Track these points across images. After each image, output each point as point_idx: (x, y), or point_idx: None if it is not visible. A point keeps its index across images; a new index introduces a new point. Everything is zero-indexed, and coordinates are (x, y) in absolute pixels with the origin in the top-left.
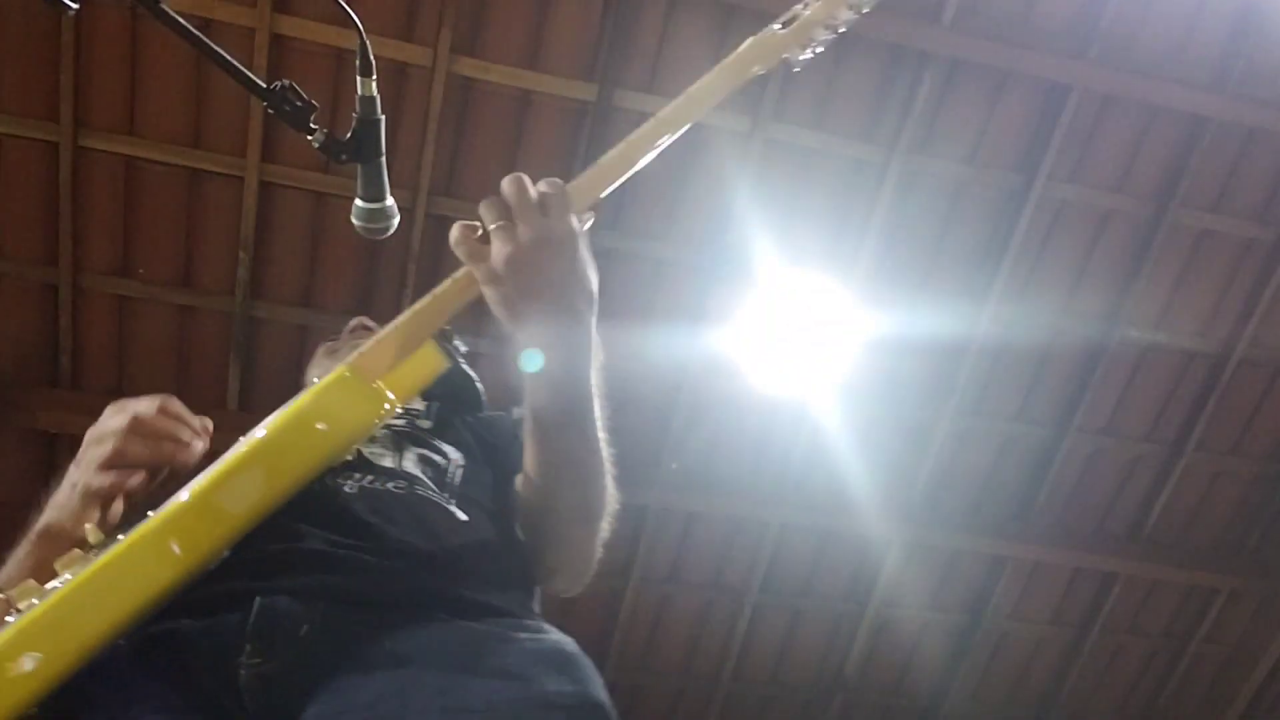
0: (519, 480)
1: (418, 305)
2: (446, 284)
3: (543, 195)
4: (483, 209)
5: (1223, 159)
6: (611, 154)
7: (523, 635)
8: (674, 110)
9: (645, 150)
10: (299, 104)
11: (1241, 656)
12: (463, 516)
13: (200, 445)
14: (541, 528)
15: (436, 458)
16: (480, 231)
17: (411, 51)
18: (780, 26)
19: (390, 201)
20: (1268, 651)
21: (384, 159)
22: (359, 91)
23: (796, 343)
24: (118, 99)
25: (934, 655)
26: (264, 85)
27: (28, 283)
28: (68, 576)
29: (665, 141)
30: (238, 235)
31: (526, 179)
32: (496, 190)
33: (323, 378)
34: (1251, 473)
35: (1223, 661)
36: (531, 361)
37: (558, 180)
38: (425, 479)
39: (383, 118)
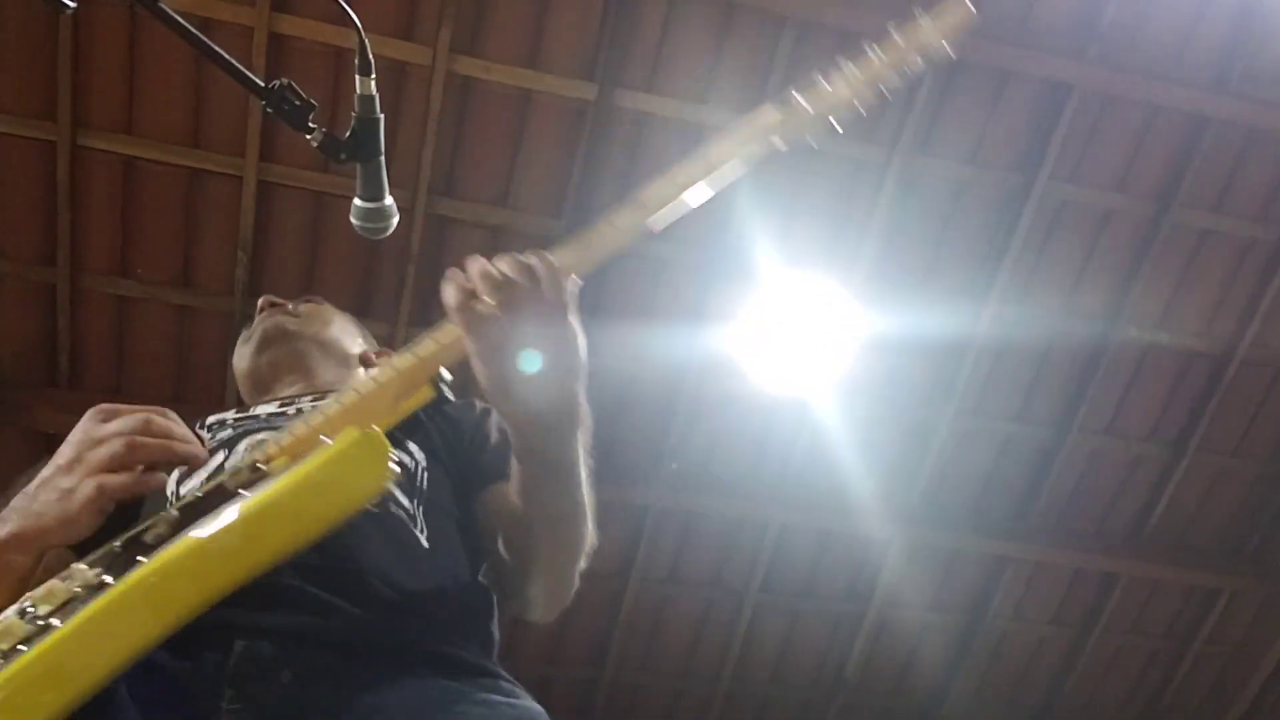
0: (499, 494)
1: (400, 364)
2: (431, 347)
3: (534, 267)
4: (478, 278)
5: (1224, 159)
6: (602, 226)
7: (498, 698)
8: (664, 185)
9: (633, 227)
10: (298, 103)
11: (1243, 657)
12: (426, 545)
13: (200, 450)
14: (519, 564)
15: (405, 460)
16: (474, 298)
17: (411, 51)
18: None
19: (389, 201)
20: (1269, 652)
21: (383, 158)
22: (358, 91)
23: (797, 342)
24: (116, 98)
25: (934, 656)
26: (263, 84)
27: (26, 282)
28: (47, 611)
29: (659, 217)
30: (236, 235)
31: (521, 257)
32: (498, 188)
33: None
34: (1253, 473)
35: (1224, 662)
36: (526, 356)
37: (548, 256)
38: (394, 488)
39: (382, 117)
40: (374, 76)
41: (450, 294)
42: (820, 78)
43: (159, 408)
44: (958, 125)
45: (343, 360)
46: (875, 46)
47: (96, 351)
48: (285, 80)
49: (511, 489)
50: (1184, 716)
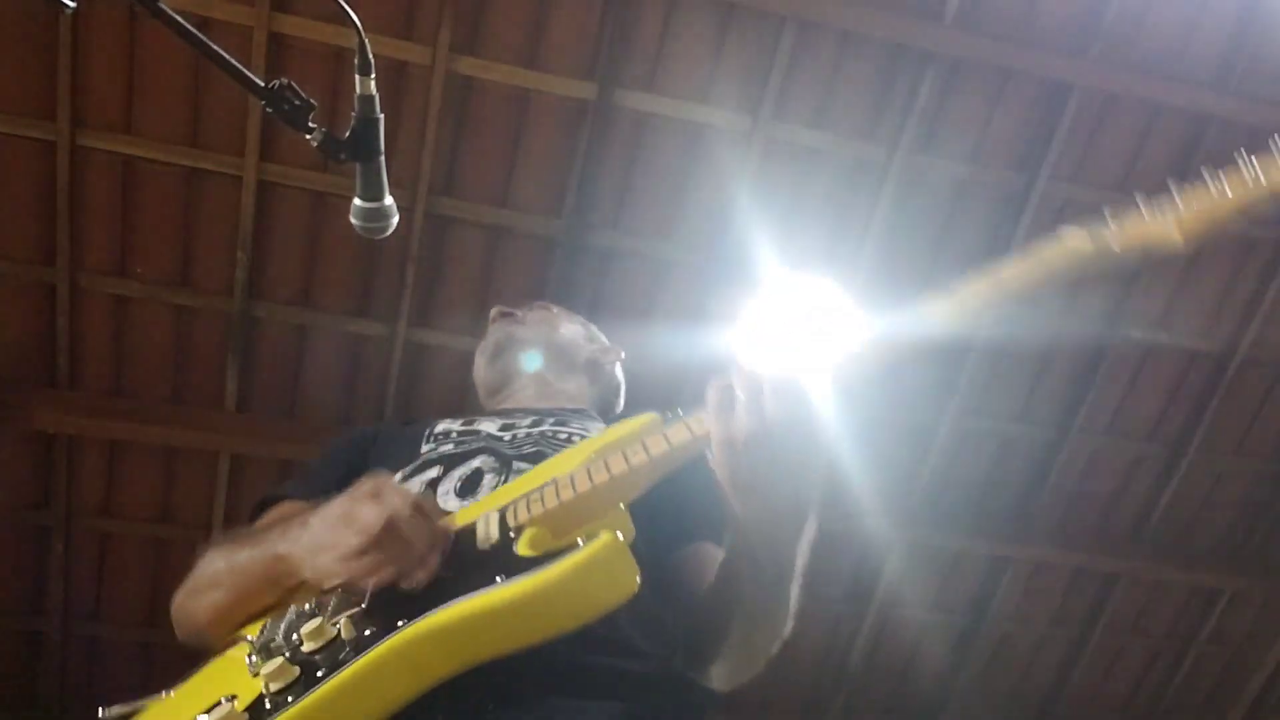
0: (705, 557)
1: (654, 448)
2: (685, 435)
3: (793, 383)
4: (735, 374)
5: (1226, 158)
6: (892, 326)
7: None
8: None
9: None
10: (297, 103)
11: (1244, 657)
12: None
13: (435, 562)
14: (706, 645)
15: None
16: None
17: (411, 50)
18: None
19: (389, 201)
20: (1271, 652)
21: (383, 158)
22: (358, 90)
23: (798, 343)
24: (116, 98)
25: (935, 657)
26: (262, 84)
27: (25, 282)
28: (311, 650)
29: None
30: (236, 235)
31: (797, 384)
32: (497, 188)
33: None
34: (1255, 473)
35: (1226, 662)
36: (531, 362)
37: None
38: None
39: (381, 117)
40: (374, 76)
41: (712, 392)
42: (1142, 203)
43: (420, 502)
44: (958, 125)
45: (571, 365)
46: (1217, 174)
47: (95, 351)
48: (285, 80)
49: (718, 566)
50: (1186, 716)
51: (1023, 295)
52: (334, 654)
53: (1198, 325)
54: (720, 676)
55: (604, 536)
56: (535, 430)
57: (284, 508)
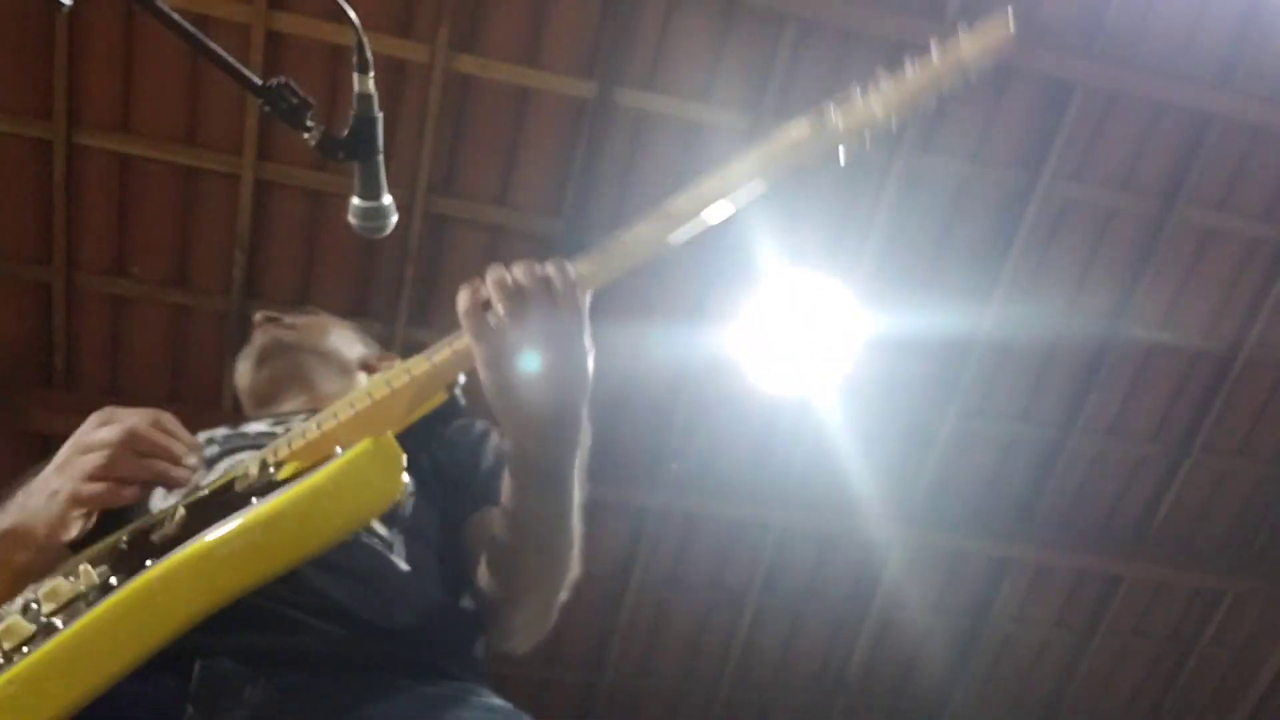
0: (485, 519)
1: (415, 369)
2: (446, 353)
3: (552, 280)
4: (492, 286)
5: (1229, 157)
6: (623, 239)
7: (496, 701)
8: (687, 200)
9: (655, 241)
10: (295, 101)
11: (1247, 659)
12: (404, 567)
13: (194, 462)
14: (503, 586)
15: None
16: (486, 304)
17: (409, 48)
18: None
19: (388, 200)
20: (1274, 654)
21: (381, 157)
22: (356, 89)
23: (799, 342)
24: (112, 96)
25: (937, 658)
26: (260, 82)
27: (21, 282)
28: (51, 610)
29: (680, 233)
30: (233, 234)
31: (538, 265)
32: (496, 187)
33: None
34: (1258, 473)
35: (1229, 664)
36: (530, 362)
37: (568, 265)
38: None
39: (380, 115)
40: (372, 75)
41: (462, 299)
42: (856, 91)
43: (159, 414)
44: (960, 123)
45: (343, 369)
46: (913, 61)
47: (92, 351)
48: (283, 78)
49: (499, 514)
50: (1188, 718)
51: (746, 190)
52: (75, 608)
53: (1201, 325)
54: (518, 628)
55: (363, 442)
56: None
57: None
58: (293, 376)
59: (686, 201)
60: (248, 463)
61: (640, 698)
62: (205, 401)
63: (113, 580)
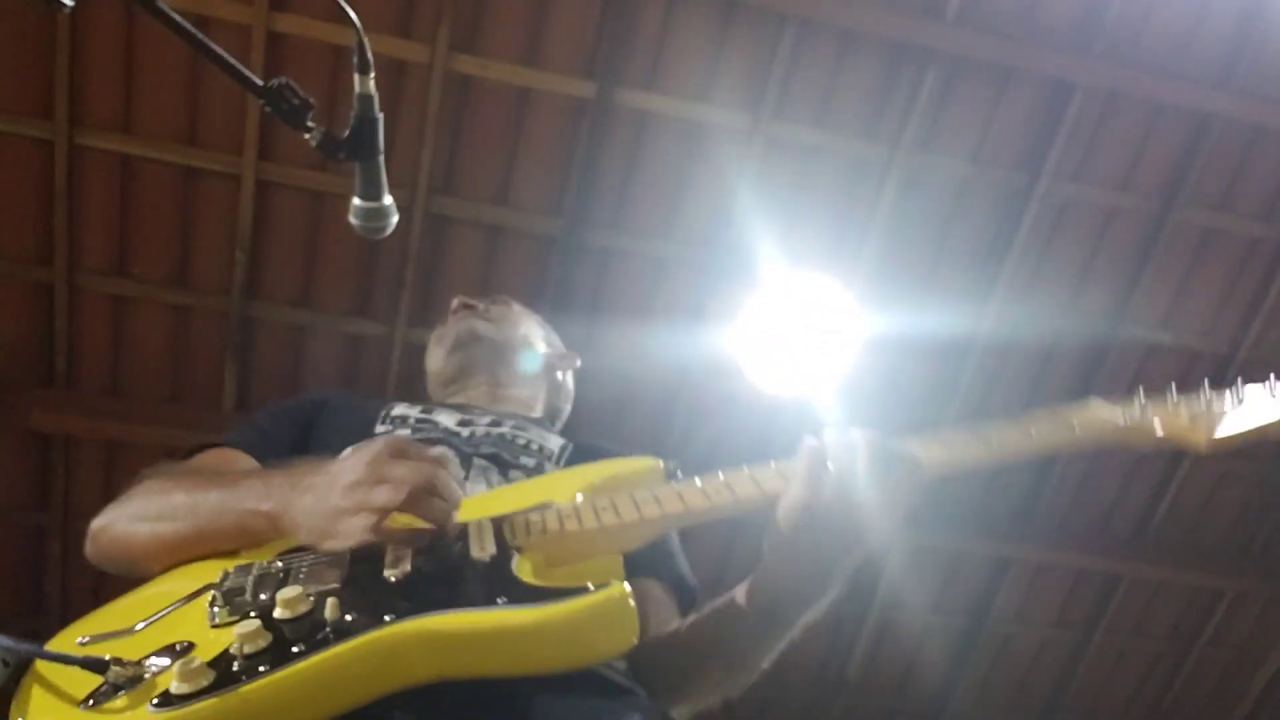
0: (647, 593)
1: (690, 497)
2: (751, 489)
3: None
4: (841, 450)
5: (1228, 157)
6: (986, 434)
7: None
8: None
9: (1012, 449)
10: (296, 102)
11: (1247, 659)
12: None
13: (453, 520)
14: (672, 682)
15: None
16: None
17: (410, 49)
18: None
19: (388, 200)
20: (1273, 654)
21: (382, 157)
22: (357, 89)
23: (798, 342)
24: (113, 97)
25: (937, 658)
26: (261, 83)
27: (22, 282)
28: (284, 617)
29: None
30: (234, 234)
31: (889, 447)
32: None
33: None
34: (1257, 474)
35: (1228, 664)
36: (531, 361)
37: (913, 453)
38: None
39: (380, 116)
40: (373, 75)
41: (809, 444)
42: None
43: (445, 459)
44: (960, 123)
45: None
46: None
47: (93, 351)
48: (283, 79)
49: (656, 600)
50: (1187, 718)
51: (1045, 453)
52: (312, 632)
53: (1200, 325)
54: (680, 712)
55: (615, 587)
56: (495, 431)
57: (225, 454)
58: (481, 367)
59: (1044, 431)
60: (483, 529)
61: None
62: (206, 402)
63: (349, 618)
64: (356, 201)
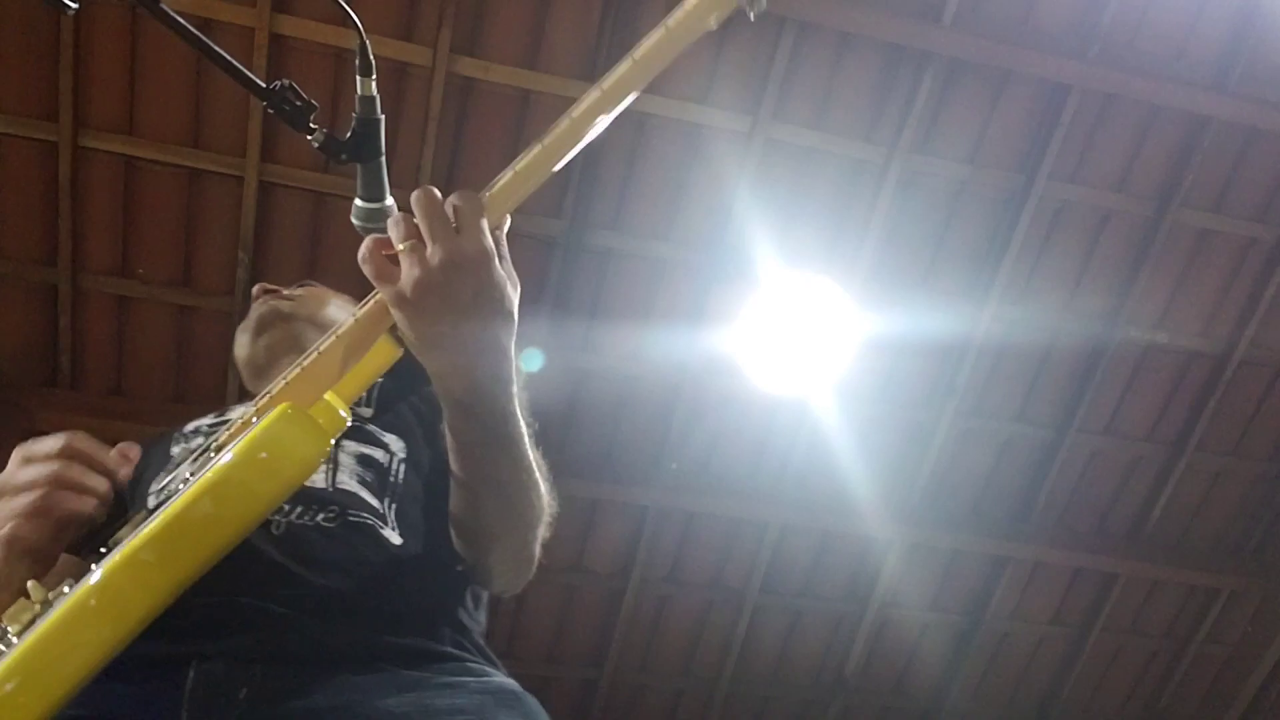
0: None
1: (342, 328)
2: (369, 306)
3: (456, 210)
4: (390, 226)
5: (1224, 159)
6: (530, 155)
7: (466, 679)
8: (602, 95)
9: (567, 147)
10: (298, 104)
11: (1242, 657)
12: (397, 540)
13: (125, 472)
14: (471, 536)
15: (377, 454)
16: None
17: (411, 51)
18: None
19: (390, 202)
20: (1268, 652)
21: (384, 159)
22: (359, 91)
23: (796, 342)
24: (117, 99)
25: (934, 656)
26: (263, 85)
27: (27, 283)
28: (16, 630)
29: (592, 131)
30: (237, 235)
31: (437, 193)
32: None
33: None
34: (1252, 473)
35: (1223, 662)
36: (531, 361)
37: (471, 193)
38: (362, 491)
39: (382, 117)
40: (374, 77)
41: (363, 248)
42: None
43: (77, 439)
44: (957, 125)
45: None
46: None
47: (97, 352)
48: (286, 81)
49: (453, 473)
50: (1183, 716)
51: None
52: (30, 622)
53: (1196, 325)
54: (496, 571)
55: (277, 409)
56: None
57: None
58: (289, 347)
59: (582, 113)
60: (195, 451)
61: (640, 695)
62: (209, 402)
63: (64, 589)
64: (358, 202)
